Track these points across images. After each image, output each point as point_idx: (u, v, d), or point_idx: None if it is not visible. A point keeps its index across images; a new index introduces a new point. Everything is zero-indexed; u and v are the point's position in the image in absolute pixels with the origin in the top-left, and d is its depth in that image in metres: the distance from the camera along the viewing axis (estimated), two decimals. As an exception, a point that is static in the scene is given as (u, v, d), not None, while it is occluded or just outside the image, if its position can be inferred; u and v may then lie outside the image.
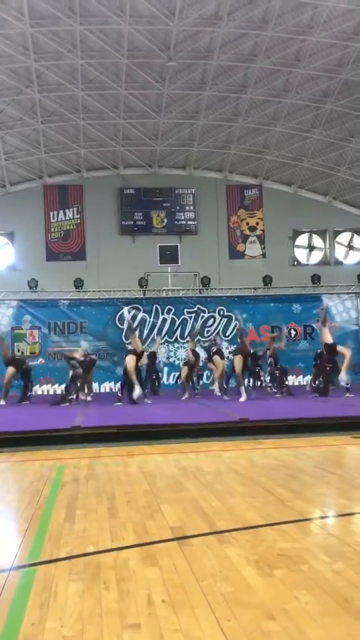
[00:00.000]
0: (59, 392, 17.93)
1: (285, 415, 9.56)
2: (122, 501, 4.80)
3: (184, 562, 3.26)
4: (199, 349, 16.88)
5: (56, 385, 18.20)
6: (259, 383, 15.92)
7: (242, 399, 13.02)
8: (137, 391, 12.76)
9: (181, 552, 3.44)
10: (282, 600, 2.72)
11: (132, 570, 3.18)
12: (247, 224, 23.57)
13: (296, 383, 18.23)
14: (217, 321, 19.34)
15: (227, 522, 4.07)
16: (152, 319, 19.22)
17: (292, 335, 19.54)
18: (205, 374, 18.05)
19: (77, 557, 3.46)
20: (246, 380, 15.02)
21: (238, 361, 13.81)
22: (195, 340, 17.22)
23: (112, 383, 18.68)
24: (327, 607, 2.64)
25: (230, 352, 16.30)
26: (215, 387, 15.94)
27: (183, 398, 14.81)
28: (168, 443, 8.04)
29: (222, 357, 15.26)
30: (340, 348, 13.56)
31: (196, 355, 15.79)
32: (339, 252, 24.22)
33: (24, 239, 22.38)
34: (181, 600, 2.76)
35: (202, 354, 16.78)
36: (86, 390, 15.10)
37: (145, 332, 18.86)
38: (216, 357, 15.31)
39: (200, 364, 16.29)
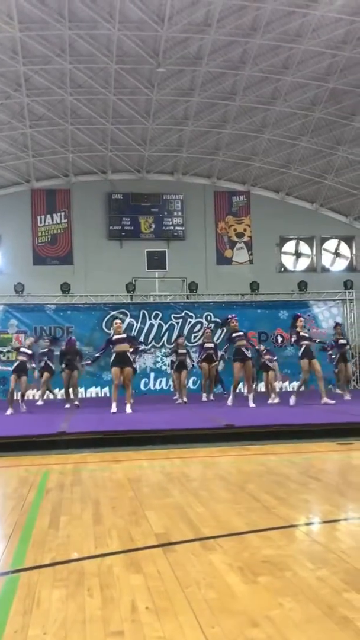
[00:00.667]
0: (45, 397, 17.85)
1: (271, 422, 9.57)
2: (107, 507, 4.78)
3: (169, 569, 3.26)
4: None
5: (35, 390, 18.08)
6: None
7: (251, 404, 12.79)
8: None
9: (165, 559, 3.43)
10: (266, 607, 2.72)
11: (116, 577, 3.17)
12: (235, 230, 23.65)
13: (283, 389, 18.24)
14: (204, 327, 19.36)
15: (212, 528, 4.06)
16: (139, 324, 19.19)
17: (279, 342, 19.59)
18: (192, 379, 18.05)
19: (61, 563, 3.44)
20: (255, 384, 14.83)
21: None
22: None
23: (99, 388, 18.64)
24: (311, 614, 2.64)
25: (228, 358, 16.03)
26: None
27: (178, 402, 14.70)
28: (154, 449, 8.02)
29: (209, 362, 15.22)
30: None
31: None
32: (326, 259, 24.36)
33: (11, 243, 22.30)
34: (165, 607, 2.76)
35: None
36: (72, 396, 14.97)
37: (132, 337, 18.85)
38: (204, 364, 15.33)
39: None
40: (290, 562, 3.32)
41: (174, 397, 15.45)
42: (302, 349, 12.91)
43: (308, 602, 2.77)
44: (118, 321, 13.55)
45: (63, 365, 14.82)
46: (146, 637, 2.46)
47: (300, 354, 13.00)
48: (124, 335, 12.79)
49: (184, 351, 15.29)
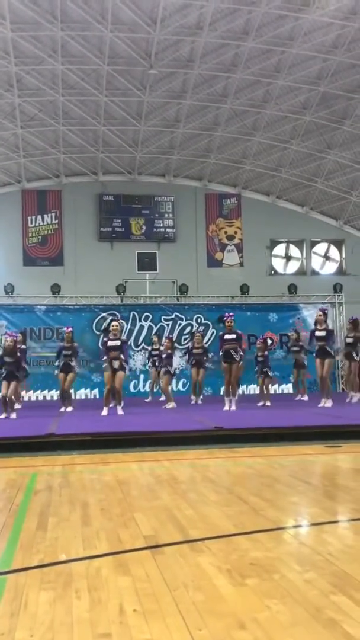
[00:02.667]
0: (34, 398, 17.83)
1: (259, 424, 9.59)
2: (95, 509, 4.78)
3: (157, 571, 3.26)
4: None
5: (31, 392, 18.05)
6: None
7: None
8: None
9: (154, 561, 3.43)
10: (253, 609, 2.73)
11: (104, 579, 3.17)
12: (226, 232, 23.68)
13: (271, 391, 18.26)
14: (194, 329, 19.37)
15: (201, 530, 4.07)
16: (129, 326, 19.18)
17: (269, 344, 19.63)
18: (182, 381, 18.06)
19: (49, 565, 3.43)
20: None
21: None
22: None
23: (89, 390, 18.62)
24: (299, 616, 2.65)
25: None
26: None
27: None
28: (143, 451, 8.02)
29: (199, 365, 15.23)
30: None
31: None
32: (316, 263, 24.44)
33: (1, 244, 22.21)
34: (153, 609, 2.76)
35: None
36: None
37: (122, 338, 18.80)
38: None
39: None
40: (278, 565, 3.33)
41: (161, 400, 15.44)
42: (317, 348, 12.75)
43: (296, 604, 2.78)
44: (115, 323, 13.00)
45: (58, 364, 13.71)
46: (133, 639, 2.46)
47: (314, 353, 12.87)
48: (118, 343, 12.45)
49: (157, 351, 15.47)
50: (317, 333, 12.78)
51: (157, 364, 15.76)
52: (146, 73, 18.09)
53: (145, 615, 2.69)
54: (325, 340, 12.68)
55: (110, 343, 12.38)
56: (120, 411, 12.09)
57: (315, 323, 13.06)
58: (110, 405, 12.49)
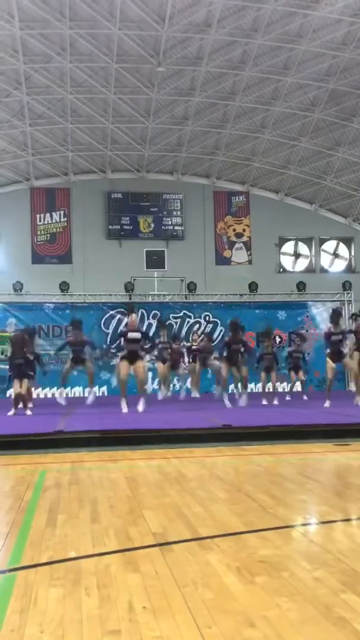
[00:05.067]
0: (42, 396, 17.87)
1: (268, 422, 9.58)
2: (104, 506, 4.78)
3: (166, 568, 3.26)
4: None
5: (39, 389, 18.10)
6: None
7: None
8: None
9: (163, 558, 3.43)
10: (263, 607, 2.72)
11: (114, 576, 3.17)
12: (234, 230, 23.65)
13: (280, 389, 18.25)
14: (202, 327, 19.36)
15: (209, 528, 4.07)
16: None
17: (277, 342, 19.61)
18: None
19: (58, 562, 3.44)
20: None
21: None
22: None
23: (97, 387, 18.60)
24: (308, 614, 2.64)
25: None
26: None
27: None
28: (151, 448, 8.02)
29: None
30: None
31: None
32: (325, 260, 24.36)
33: (10, 242, 22.27)
34: (162, 606, 2.76)
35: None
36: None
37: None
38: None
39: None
40: (288, 563, 3.32)
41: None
42: (332, 350, 12.75)
43: (305, 602, 2.77)
44: (134, 315, 12.67)
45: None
46: (143, 637, 2.46)
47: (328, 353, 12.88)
48: (139, 335, 12.19)
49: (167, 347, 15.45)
50: (333, 337, 12.76)
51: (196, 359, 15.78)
52: (154, 71, 18.07)
53: (155, 612, 2.69)
54: (341, 342, 12.75)
55: (130, 335, 12.08)
56: (141, 406, 11.74)
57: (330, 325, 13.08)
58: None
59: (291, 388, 16.48)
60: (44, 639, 2.47)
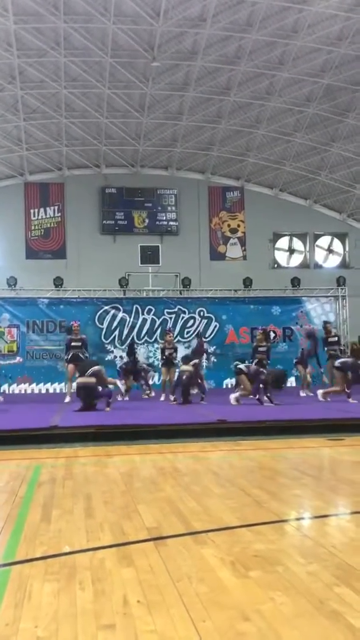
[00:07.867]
0: (36, 391, 17.81)
1: (262, 417, 9.59)
2: (99, 501, 4.79)
3: (160, 563, 3.26)
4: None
5: (34, 385, 18.06)
6: None
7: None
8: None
9: (157, 553, 3.44)
10: (257, 601, 2.74)
11: (108, 571, 3.18)
12: (229, 225, 23.65)
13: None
14: (197, 322, 19.34)
15: (204, 522, 4.07)
16: (132, 319, 19.12)
17: (272, 338, 19.60)
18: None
19: (53, 557, 3.44)
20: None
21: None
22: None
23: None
24: (302, 608, 2.65)
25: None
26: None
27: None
28: (146, 443, 8.03)
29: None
30: None
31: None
32: (319, 256, 24.40)
33: (4, 236, 22.21)
34: (156, 600, 2.76)
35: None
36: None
37: (125, 331, 18.80)
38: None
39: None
40: (282, 557, 3.33)
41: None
42: (331, 352, 14.35)
43: (299, 596, 2.78)
44: (170, 335, 15.89)
45: (67, 357, 13.90)
46: (137, 631, 2.47)
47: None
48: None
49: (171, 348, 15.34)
50: (330, 339, 14.65)
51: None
52: (149, 65, 18.02)
53: (149, 606, 2.70)
54: (338, 344, 14.77)
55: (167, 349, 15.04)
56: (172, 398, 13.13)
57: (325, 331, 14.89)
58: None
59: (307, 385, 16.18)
60: (39, 633, 2.48)
